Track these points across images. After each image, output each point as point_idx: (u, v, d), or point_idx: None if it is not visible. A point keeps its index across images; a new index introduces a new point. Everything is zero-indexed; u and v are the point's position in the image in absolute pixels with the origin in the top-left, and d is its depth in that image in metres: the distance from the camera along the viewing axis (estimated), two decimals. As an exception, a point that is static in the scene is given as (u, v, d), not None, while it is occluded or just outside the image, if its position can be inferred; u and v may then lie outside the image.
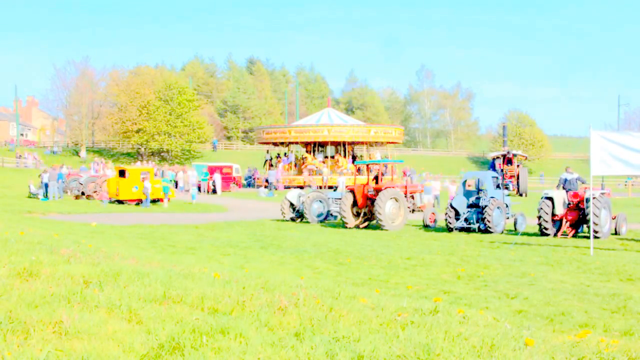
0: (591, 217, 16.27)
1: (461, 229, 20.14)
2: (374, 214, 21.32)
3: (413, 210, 23.20)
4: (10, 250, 7.01)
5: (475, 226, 19.99)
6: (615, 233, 18.96)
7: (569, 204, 18.94)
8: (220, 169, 44.76)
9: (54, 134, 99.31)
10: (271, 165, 50.90)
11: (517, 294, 9.24)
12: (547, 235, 18.63)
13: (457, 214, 20.33)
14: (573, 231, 18.89)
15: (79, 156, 68.11)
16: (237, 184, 45.87)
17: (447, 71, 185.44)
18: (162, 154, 71.06)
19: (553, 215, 18.77)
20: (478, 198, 20.38)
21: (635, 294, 9.30)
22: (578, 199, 18.78)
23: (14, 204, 27.87)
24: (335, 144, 49.64)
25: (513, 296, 9.08)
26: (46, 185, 31.55)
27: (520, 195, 43.53)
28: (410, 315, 5.03)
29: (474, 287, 10.04)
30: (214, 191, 41.26)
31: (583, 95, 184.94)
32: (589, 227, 17.57)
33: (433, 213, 22.32)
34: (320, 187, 40.27)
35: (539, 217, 18.88)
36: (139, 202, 30.57)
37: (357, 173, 26.50)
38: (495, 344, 4.16)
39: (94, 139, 79.94)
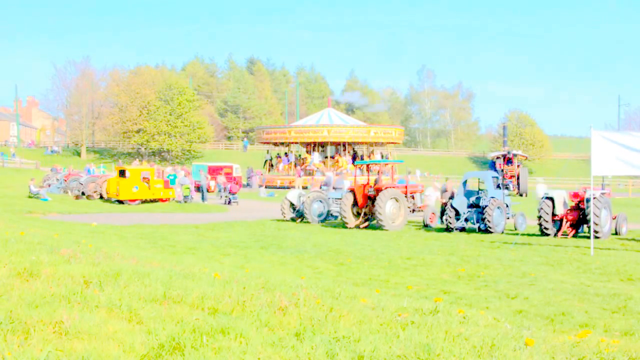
0: (591, 217, 16.27)
1: (461, 229, 20.13)
2: (374, 214, 21.31)
3: (413, 210, 23.19)
4: (10, 250, 7.01)
5: (476, 226, 19.98)
6: (616, 233, 18.96)
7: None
8: (220, 169, 44.74)
9: (54, 134, 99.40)
10: (271, 165, 50.87)
11: (518, 294, 9.24)
12: (548, 235, 18.62)
13: (457, 214, 20.33)
14: (573, 231, 18.88)
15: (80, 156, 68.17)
16: (237, 184, 45.85)
17: (448, 71, 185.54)
18: (162, 154, 71.08)
19: (553, 215, 18.77)
20: (478, 198, 20.37)
21: (636, 294, 9.30)
22: (578, 199, 18.78)
23: (14, 204, 27.87)
24: (336, 144, 49.64)
25: (513, 296, 9.08)
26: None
27: (521, 195, 43.52)
28: (411, 315, 5.03)
29: (474, 287, 10.04)
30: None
31: (583, 95, 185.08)
32: (589, 227, 17.56)
33: (433, 213, 22.31)
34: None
35: (539, 217, 18.87)
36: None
37: (357, 173, 26.47)
38: (495, 344, 4.16)
39: (94, 139, 79.96)
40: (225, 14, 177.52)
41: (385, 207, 20.71)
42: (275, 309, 4.86)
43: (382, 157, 48.50)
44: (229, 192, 32.22)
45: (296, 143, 51.63)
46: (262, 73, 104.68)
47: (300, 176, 45.82)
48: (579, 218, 18.83)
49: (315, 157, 48.33)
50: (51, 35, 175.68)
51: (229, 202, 32.15)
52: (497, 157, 50.89)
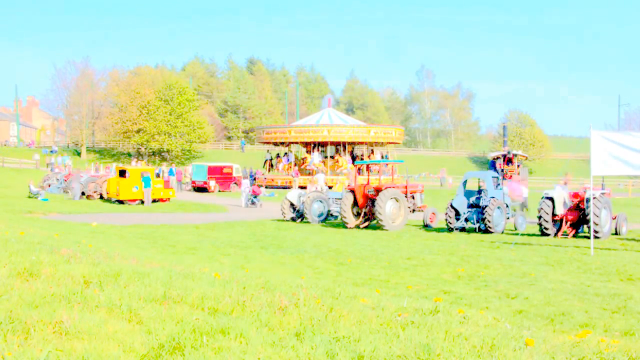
0: (591, 217, 16.27)
1: (461, 229, 20.13)
2: (374, 214, 21.31)
3: (413, 210, 23.19)
4: (10, 250, 7.01)
5: (476, 226, 19.98)
6: (616, 233, 18.96)
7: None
8: (220, 169, 44.75)
9: (54, 134, 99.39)
10: (271, 165, 50.80)
11: (518, 294, 9.24)
12: (548, 235, 18.62)
13: (457, 214, 20.32)
14: (573, 231, 18.88)
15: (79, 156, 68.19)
16: (237, 184, 45.87)
17: (448, 71, 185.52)
18: (162, 154, 71.07)
19: (553, 215, 18.77)
20: (478, 198, 20.37)
21: (636, 294, 9.30)
22: (578, 199, 18.78)
23: (14, 204, 27.87)
24: (335, 144, 49.63)
25: (513, 296, 9.08)
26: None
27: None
28: (411, 315, 5.03)
29: (474, 287, 10.04)
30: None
31: (583, 95, 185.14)
32: (589, 227, 17.56)
33: (433, 213, 22.31)
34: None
35: (539, 217, 18.87)
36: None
37: (357, 173, 26.47)
38: (495, 344, 4.16)
39: (94, 139, 79.95)
40: (225, 14, 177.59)
41: (385, 207, 20.71)
42: (275, 309, 4.86)
43: (382, 157, 48.48)
44: (252, 194, 32.40)
45: (296, 143, 51.61)
46: (262, 73, 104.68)
47: (297, 176, 45.77)
48: (579, 218, 18.82)
49: (315, 157, 48.32)
50: (51, 35, 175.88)
51: (253, 203, 32.19)
52: (497, 157, 50.87)
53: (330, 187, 30.34)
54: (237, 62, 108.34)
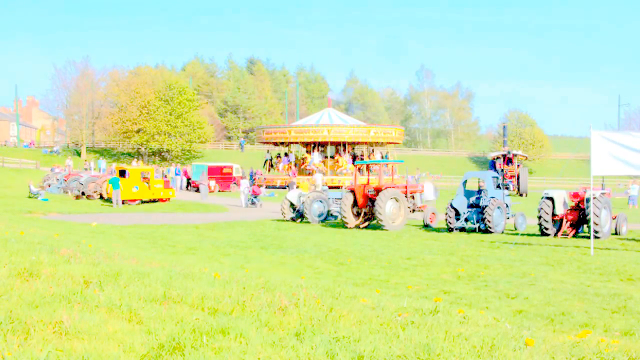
0: (591, 217, 16.28)
1: (461, 229, 20.13)
2: (374, 214, 21.31)
3: (413, 210, 23.20)
4: (10, 250, 7.01)
5: (476, 226, 19.98)
6: (616, 233, 18.97)
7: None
8: (220, 169, 44.73)
9: (54, 134, 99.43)
10: (271, 165, 50.79)
11: (518, 294, 9.24)
12: (548, 235, 18.63)
13: (457, 214, 20.33)
14: (573, 231, 18.88)
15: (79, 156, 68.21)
16: (237, 184, 45.86)
17: (447, 71, 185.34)
18: (162, 154, 71.08)
19: (553, 215, 18.77)
20: (478, 198, 20.37)
21: (636, 294, 9.30)
22: (578, 199, 18.79)
23: (14, 204, 27.87)
24: (336, 144, 49.62)
25: (513, 296, 9.09)
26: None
27: (521, 195, 43.54)
28: (411, 315, 5.03)
29: (474, 287, 10.04)
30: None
31: (583, 95, 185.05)
32: (589, 227, 17.57)
33: (433, 213, 22.32)
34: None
35: (539, 217, 18.88)
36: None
37: (357, 173, 26.48)
38: (495, 344, 4.16)
39: (94, 139, 79.94)
40: (225, 14, 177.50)
41: (385, 207, 20.72)
42: (275, 309, 4.86)
43: (382, 157, 48.48)
44: (252, 194, 32.31)
45: (296, 143, 51.59)
46: (262, 73, 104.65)
47: (295, 176, 45.75)
48: (579, 218, 18.83)
49: (315, 157, 48.33)
50: (51, 35, 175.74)
51: (253, 203, 32.04)
52: (497, 157, 50.94)
53: (338, 188, 30.59)
54: (237, 62, 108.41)
